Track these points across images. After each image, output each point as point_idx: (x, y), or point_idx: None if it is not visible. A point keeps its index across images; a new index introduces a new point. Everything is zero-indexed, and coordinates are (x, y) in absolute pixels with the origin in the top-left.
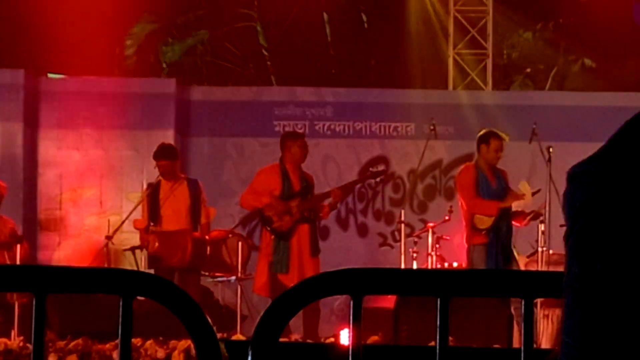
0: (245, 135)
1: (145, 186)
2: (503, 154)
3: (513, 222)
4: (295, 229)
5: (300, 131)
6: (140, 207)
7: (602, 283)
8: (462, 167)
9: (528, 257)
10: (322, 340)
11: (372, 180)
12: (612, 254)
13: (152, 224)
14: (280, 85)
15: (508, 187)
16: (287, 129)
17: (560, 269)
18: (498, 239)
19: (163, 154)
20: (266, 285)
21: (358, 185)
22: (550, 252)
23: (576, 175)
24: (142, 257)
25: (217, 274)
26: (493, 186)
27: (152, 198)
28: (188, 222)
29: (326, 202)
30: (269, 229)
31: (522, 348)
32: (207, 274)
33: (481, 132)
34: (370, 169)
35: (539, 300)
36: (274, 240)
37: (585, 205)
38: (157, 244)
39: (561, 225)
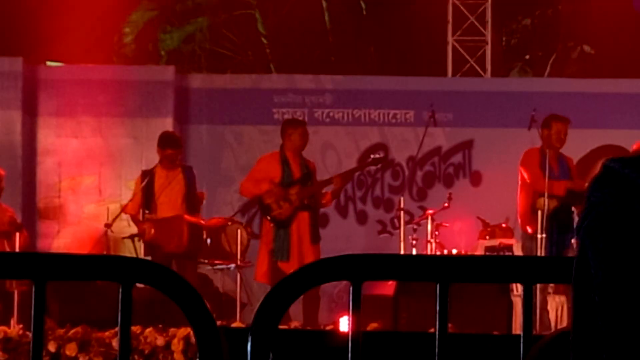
0: (244, 123)
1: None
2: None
3: (574, 209)
4: (295, 217)
5: (300, 118)
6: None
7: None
8: (524, 151)
9: None
10: (322, 327)
11: (372, 167)
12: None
13: (147, 211)
14: (279, 72)
15: (571, 174)
16: (286, 116)
17: None
18: (558, 227)
19: (170, 143)
20: (267, 273)
21: (357, 172)
22: None
23: (608, 170)
24: (141, 244)
25: (217, 262)
26: (555, 171)
27: (148, 186)
28: (184, 210)
29: (328, 189)
30: (268, 217)
31: (521, 334)
32: (206, 261)
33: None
34: (372, 155)
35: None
36: (274, 228)
37: (597, 203)
38: (153, 231)
39: None
